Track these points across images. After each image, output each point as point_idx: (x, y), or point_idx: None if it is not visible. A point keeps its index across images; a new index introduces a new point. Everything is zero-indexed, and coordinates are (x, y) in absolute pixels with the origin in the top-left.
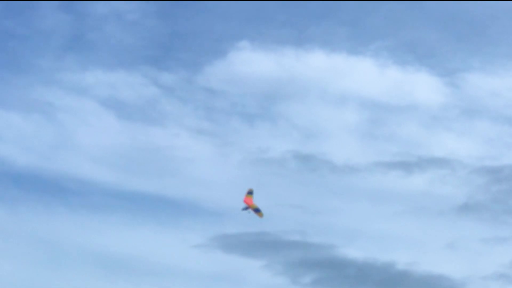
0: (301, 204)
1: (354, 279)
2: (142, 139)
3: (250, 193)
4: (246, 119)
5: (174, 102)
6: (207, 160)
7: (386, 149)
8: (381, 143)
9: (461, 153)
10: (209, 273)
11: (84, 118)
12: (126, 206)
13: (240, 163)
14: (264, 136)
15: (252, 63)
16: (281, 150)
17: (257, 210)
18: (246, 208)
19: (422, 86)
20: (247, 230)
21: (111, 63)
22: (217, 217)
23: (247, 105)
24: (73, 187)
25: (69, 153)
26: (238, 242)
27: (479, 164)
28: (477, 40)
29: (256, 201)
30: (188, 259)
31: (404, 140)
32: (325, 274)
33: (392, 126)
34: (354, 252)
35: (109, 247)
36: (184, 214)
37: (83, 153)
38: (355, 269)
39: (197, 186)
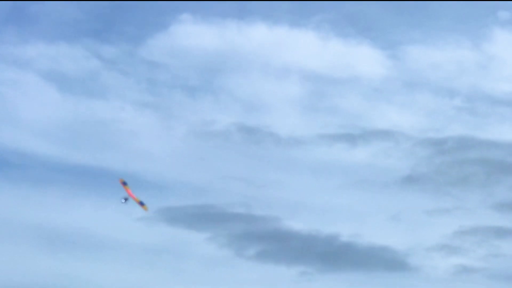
0: (246, 176)
1: (298, 251)
2: (84, 112)
3: (124, 183)
4: (188, 92)
5: (116, 75)
6: (150, 133)
7: (329, 122)
8: (324, 115)
9: (404, 126)
10: (153, 246)
11: (25, 91)
12: (68, 179)
13: (184, 136)
14: (207, 109)
15: (194, 36)
16: (225, 123)
17: (141, 204)
18: (126, 199)
19: (364, 58)
20: (191, 203)
21: (52, 36)
22: (160, 190)
23: (189, 78)
24: (14, 160)
25: (10, 127)
26: (182, 215)
27: (422, 136)
28: (418, 13)
29: (201, 174)
30: (132, 232)
31: (347, 113)
32: (269, 246)
33: (335, 99)
34: (298, 224)
35: (51, 221)
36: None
37: (25, 126)
38: (299, 241)
39: (140, 159)
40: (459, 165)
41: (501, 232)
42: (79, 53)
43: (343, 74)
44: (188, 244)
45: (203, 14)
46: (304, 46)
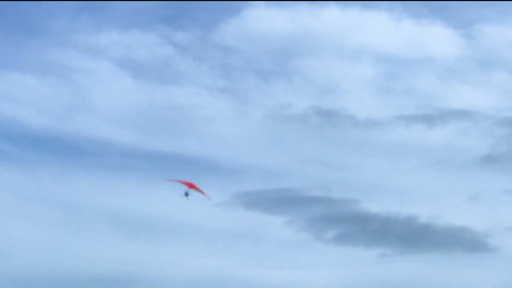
0: (323, 160)
1: (377, 233)
2: (158, 99)
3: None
4: (262, 76)
5: (189, 61)
6: (225, 118)
7: (405, 103)
8: (399, 97)
9: (481, 105)
10: (231, 231)
11: (99, 79)
12: (144, 166)
13: (261, 120)
14: (281, 93)
15: (266, 20)
16: (302, 106)
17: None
18: (186, 194)
19: (437, 38)
20: (269, 187)
21: (126, 24)
22: (238, 175)
23: (262, 62)
24: (91, 148)
25: (86, 115)
26: (260, 199)
27: (500, 115)
28: None
29: (278, 158)
30: (210, 218)
31: (422, 94)
32: (348, 229)
33: (409, 80)
34: (377, 206)
35: (128, 208)
36: (205, 173)
37: (100, 114)
38: (377, 224)
39: (216, 145)
40: None
41: None
42: (152, 40)
43: (416, 55)
44: (267, 228)
45: None
46: (377, 28)
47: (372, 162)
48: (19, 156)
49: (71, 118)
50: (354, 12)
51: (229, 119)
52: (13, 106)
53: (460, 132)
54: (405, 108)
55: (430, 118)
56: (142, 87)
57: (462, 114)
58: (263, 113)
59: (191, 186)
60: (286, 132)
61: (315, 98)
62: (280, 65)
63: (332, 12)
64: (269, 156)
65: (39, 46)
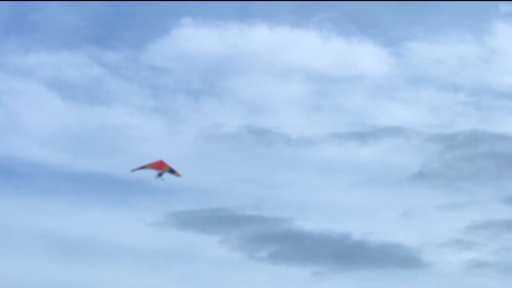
0: (256, 178)
1: (311, 251)
2: (89, 120)
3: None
4: (192, 95)
5: (119, 81)
6: (156, 138)
7: (337, 121)
8: (330, 114)
9: (412, 122)
10: (164, 251)
11: (29, 101)
12: (76, 187)
13: (193, 140)
14: (212, 112)
15: (196, 39)
16: (234, 125)
17: (171, 171)
18: (159, 175)
19: (366, 56)
20: (202, 207)
21: (55, 44)
22: (170, 194)
23: (192, 81)
24: (22, 170)
25: (16, 136)
26: (193, 219)
27: (432, 132)
28: (419, 9)
29: (210, 177)
30: (143, 238)
31: (352, 111)
32: (282, 247)
33: (339, 97)
34: (310, 224)
35: (61, 229)
36: (136, 193)
37: (30, 135)
38: (311, 241)
39: None
40: (470, 159)
41: None
42: (82, 61)
43: (346, 73)
44: (200, 247)
45: (204, 16)
46: (306, 46)
47: (304, 180)
48: None
49: (0, 140)
50: (283, 31)
51: (161, 139)
52: None
53: (392, 149)
54: (337, 126)
55: (362, 136)
56: (72, 108)
57: (393, 131)
58: (196, 133)
59: (159, 166)
60: (219, 151)
61: (246, 117)
62: (210, 84)
63: (261, 31)
64: (202, 176)
65: None
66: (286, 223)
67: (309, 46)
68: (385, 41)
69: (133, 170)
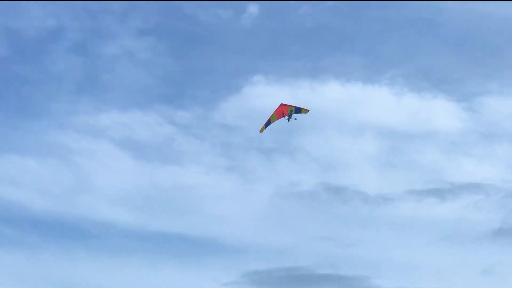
0: (332, 236)
1: None
2: (161, 179)
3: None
4: (264, 154)
5: (190, 140)
6: (229, 197)
7: (412, 178)
8: (405, 171)
9: (490, 178)
10: None
11: (100, 160)
12: (148, 247)
13: (268, 198)
14: (285, 170)
15: (268, 96)
16: (311, 183)
17: (297, 110)
18: (289, 118)
19: (439, 112)
20: (277, 266)
21: (126, 104)
22: (245, 254)
23: (264, 139)
24: (93, 230)
25: (87, 196)
26: (269, 278)
27: (511, 187)
28: (493, 63)
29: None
30: None
31: (427, 168)
32: None
33: (413, 154)
34: (387, 283)
35: None
36: (210, 252)
37: (101, 195)
38: None
39: (221, 224)
40: None
41: None
42: (153, 120)
43: (419, 129)
44: None
45: (275, 74)
46: (379, 102)
47: (381, 237)
48: (19, 239)
49: (72, 200)
50: (355, 88)
51: (234, 198)
52: (13, 188)
53: (471, 205)
54: (413, 183)
55: (439, 192)
56: (144, 167)
57: (471, 187)
58: (271, 191)
59: (283, 111)
60: (294, 209)
61: (320, 175)
62: (283, 142)
63: (333, 87)
64: (277, 234)
65: (39, 128)
66: (363, 282)
67: (381, 103)
68: (459, 96)
69: (261, 131)
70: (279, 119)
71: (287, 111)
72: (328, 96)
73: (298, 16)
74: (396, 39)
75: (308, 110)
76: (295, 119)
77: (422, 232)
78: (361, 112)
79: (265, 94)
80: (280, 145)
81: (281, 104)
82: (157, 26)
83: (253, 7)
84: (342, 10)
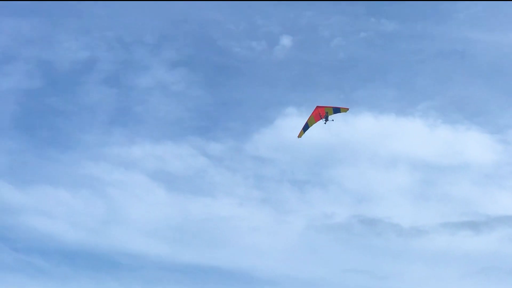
0: (366, 269)
1: None
2: (193, 211)
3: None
4: (296, 186)
5: (223, 172)
6: (262, 229)
7: (445, 210)
8: (438, 204)
9: None
10: None
11: (133, 192)
12: (181, 279)
13: (300, 230)
14: (318, 202)
15: (300, 129)
16: (345, 215)
17: (336, 110)
18: (326, 120)
19: (473, 144)
20: None
21: (158, 135)
22: (278, 285)
23: (297, 171)
24: (125, 261)
25: (120, 228)
26: None
27: None
28: None
29: (320, 268)
30: None
31: (461, 200)
32: None
33: (446, 186)
34: None
35: None
36: (244, 285)
37: (134, 227)
38: None
39: (254, 256)
40: None
41: None
42: (186, 151)
43: (452, 161)
44: None
45: (308, 106)
46: (412, 134)
47: (415, 270)
48: (53, 270)
49: (104, 232)
50: (388, 120)
51: (267, 230)
52: (46, 220)
53: (506, 238)
54: (447, 215)
55: (475, 225)
56: (176, 199)
57: (507, 220)
58: (304, 223)
59: (320, 113)
60: (328, 241)
61: (353, 207)
62: (315, 174)
63: (366, 119)
64: (310, 267)
65: (72, 159)
66: None
67: (414, 135)
68: (492, 128)
69: (299, 136)
70: (317, 122)
71: (324, 113)
72: (361, 128)
73: (330, 48)
74: (429, 71)
75: (347, 109)
76: (332, 120)
77: (457, 265)
78: (394, 144)
79: (298, 126)
80: (312, 177)
81: (317, 107)
82: (190, 58)
83: (286, 39)
84: (374, 42)
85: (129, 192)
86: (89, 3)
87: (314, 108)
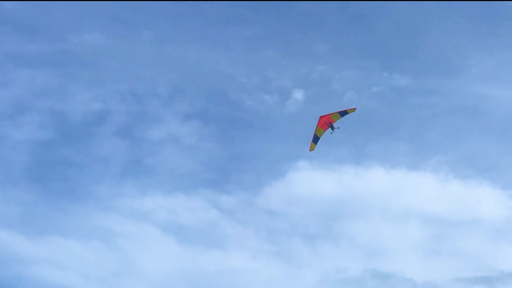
0: None
1: None
2: (205, 263)
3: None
4: (308, 239)
5: (235, 225)
6: (274, 282)
7: (458, 265)
8: (450, 259)
9: None
10: None
11: (144, 244)
12: None
13: (313, 284)
14: (330, 256)
15: (312, 182)
16: (358, 270)
17: (343, 114)
18: (332, 128)
19: (485, 200)
20: None
21: (170, 188)
22: None
23: (308, 225)
24: None
25: (131, 279)
26: None
27: None
28: None
29: None
30: None
31: (473, 256)
32: None
33: (458, 242)
34: None
35: None
36: None
37: (145, 279)
38: None
39: None
40: None
41: None
42: (197, 204)
43: (464, 216)
44: None
45: (320, 160)
46: (423, 189)
47: None
48: None
49: (116, 283)
50: (400, 174)
51: (279, 283)
52: (57, 271)
53: None
54: (460, 271)
55: (488, 280)
56: (188, 251)
57: None
58: (317, 277)
59: (325, 121)
60: None
61: (365, 261)
62: (327, 228)
63: (377, 174)
64: None
65: (83, 211)
66: None
67: (426, 189)
68: (504, 184)
69: (311, 149)
70: (325, 131)
71: (329, 121)
72: (373, 182)
73: (342, 102)
74: (441, 126)
75: (354, 109)
76: (338, 127)
77: None
78: (405, 198)
79: (310, 180)
80: (324, 231)
81: (320, 117)
82: (202, 111)
83: (298, 93)
84: (387, 96)
85: (141, 244)
86: (102, 55)
87: (319, 117)
